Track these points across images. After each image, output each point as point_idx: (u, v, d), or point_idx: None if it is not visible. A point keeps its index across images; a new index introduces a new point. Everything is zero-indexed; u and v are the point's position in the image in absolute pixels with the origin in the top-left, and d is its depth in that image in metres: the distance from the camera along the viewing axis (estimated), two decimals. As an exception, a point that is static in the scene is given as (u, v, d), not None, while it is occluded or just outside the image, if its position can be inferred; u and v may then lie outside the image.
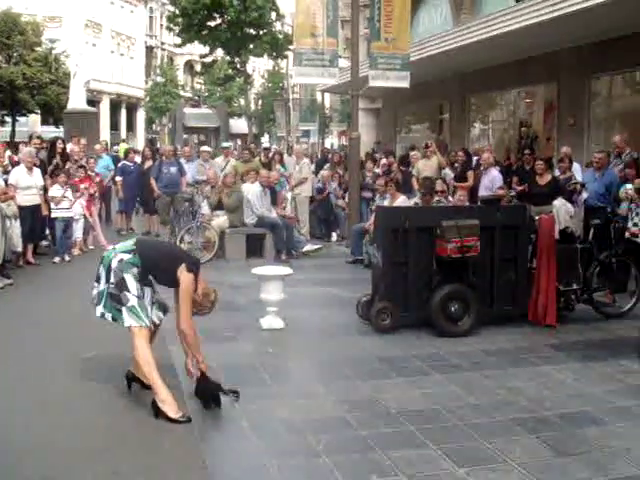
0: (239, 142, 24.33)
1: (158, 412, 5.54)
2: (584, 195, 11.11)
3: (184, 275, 5.81)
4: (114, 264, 5.69)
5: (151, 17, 66.18)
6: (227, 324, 8.55)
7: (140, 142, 53.97)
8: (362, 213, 15.25)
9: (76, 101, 27.70)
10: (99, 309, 5.77)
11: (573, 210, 9.81)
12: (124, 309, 5.64)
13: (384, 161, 17.34)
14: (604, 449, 5.11)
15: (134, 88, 60.52)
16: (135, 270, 5.70)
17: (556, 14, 13.15)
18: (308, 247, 14.06)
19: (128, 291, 5.65)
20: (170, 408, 5.52)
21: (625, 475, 4.71)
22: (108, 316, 5.76)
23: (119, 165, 17.68)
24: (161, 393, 5.56)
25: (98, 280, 5.81)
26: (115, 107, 57.68)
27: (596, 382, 6.62)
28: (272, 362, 7.19)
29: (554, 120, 17.78)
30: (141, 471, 4.76)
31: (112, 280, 5.67)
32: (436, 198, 10.63)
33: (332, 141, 50.25)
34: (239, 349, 7.63)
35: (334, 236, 16.30)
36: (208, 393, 5.80)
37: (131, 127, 61.17)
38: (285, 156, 21.16)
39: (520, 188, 12.48)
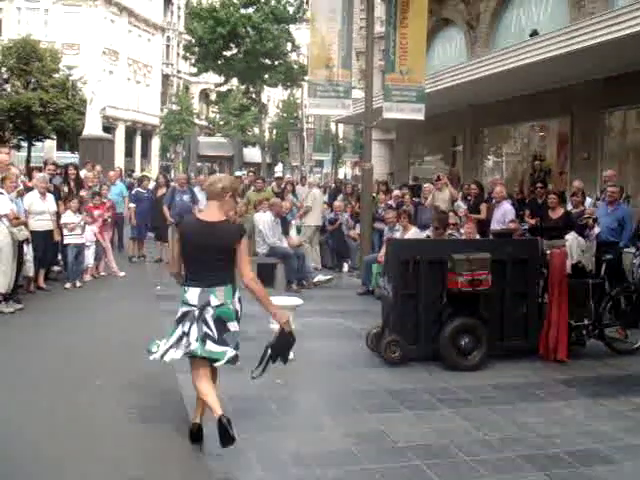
0: (251, 171, 24.43)
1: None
2: (596, 230, 11.08)
3: (241, 243, 5.64)
4: (238, 307, 5.76)
5: (168, 45, 66.77)
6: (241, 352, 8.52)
7: (154, 169, 54.26)
8: (374, 244, 15.24)
9: (92, 127, 27.92)
10: (231, 352, 5.68)
11: (585, 244, 9.79)
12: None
13: (396, 192, 17.35)
14: (614, 488, 5.05)
15: (149, 115, 60.97)
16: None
17: (570, 49, 13.18)
18: (319, 277, 14.05)
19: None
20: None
21: (635, 515, 4.65)
22: (233, 354, 5.72)
23: (133, 192, 17.78)
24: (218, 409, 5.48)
25: (226, 340, 5.69)
26: (130, 134, 58.10)
27: (606, 419, 6.57)
28: (280, 393, 7.16)
29: (567, 154, 17.77)
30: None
31: (236, 319, 5.75)
32: (448, 231, 10.61)
33: (345, 171, 50.34)
34: (248, 380, 7.58)
35: (345, 267, 16.28)
36: (284, 348, 5.90)
37: (146, 154, 61.55)
38: (298, 186, 21.24)
39: (532, 222, 12.46)
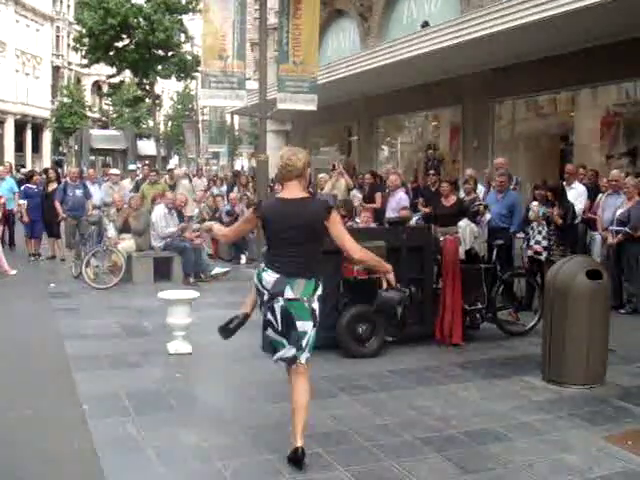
0: (145, 164, 24.11)
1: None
2: (487, 216, 11.36)
3: (330, 221, 5.08)
4: (316, 306, 5.12)
5: (58, 36, 65.04)
6: (133, 349, 8.42)
7: (46, 164, 52.83)
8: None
9: (-22, 122, 26.97)
10: (304, 356, 5.12)
11: (477, 231, 10.01)
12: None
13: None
14: (508, 465, 5.20)
15: (40, 109, 59.29)
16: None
17: (459, 40, 13.47)
18: (217, 270, 13.96)
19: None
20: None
21: (528, 491, 4.80)
22: (307, 356, 5.17)
23: (22, 188, 17.25)
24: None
25: (290, 337, 5.11)
26: (20, 128, 56.38)
27: (500, 399, 6.75)
28: (179, 387, 7.09)
29: (459, 143, 18.17)
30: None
31: (317, 320, 5.14)
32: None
33: (242, 163, 50.14)
34: (145, 375, 7.50)
35: (243, 258, 16.21)
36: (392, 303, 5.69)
37: (37, 149, 59.87)
38: (194, 179, 21.09)
39: (426, 210, 12.68)
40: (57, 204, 15.58)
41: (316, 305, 5.10)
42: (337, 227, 5.10)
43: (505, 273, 9.70)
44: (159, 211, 13.64)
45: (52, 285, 13.02)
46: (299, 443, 5.02)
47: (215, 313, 10.42)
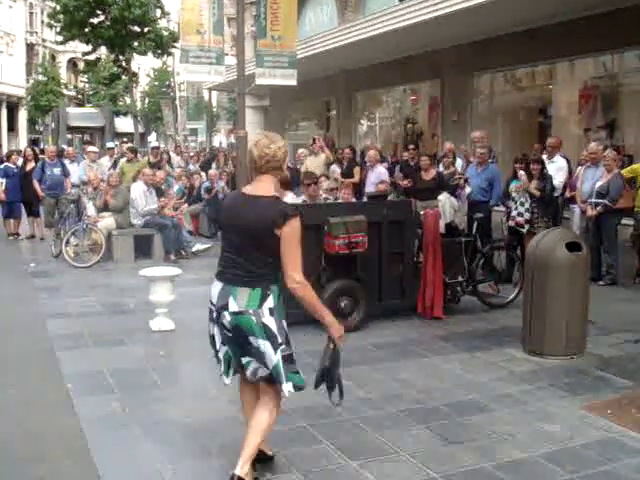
0: (123, 141, 23.97)
1: None
2: (467, 190, 11.42)
3: (284, 230, 4.20)
4: (270, 322, 4.31)
5: (31, 13, 64.18)
6: (116, 327, 8.42)
7: (22, 143, 52.33)
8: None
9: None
10: (286, 387, 4.34)
11: (457, 204, 10.07)
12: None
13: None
14: (491, 435, 5.27)
15: (14, 87, 58.60)
16: (281, 299, 4.47)
17: (437, 14, 13.42)
18: (198, 246, 13.96)
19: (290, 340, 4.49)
20: None
21: (511, 459, 4.87)
22: (291, 388, 4.37)
23: (1, 167, 17.09)
24: (248, 467, 4.30)
25: (251, 352, 4.34)
26: (-5, 107, 55.83)
27: (482, 371, 6.83)
28: (163, 364, 7.11)
29: (438, 117, 18.18)
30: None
31: (280, 341, 4.31)
32: (324, 196, 10.69)
33: (220, 139, 49.96)
34: (129, 352, 7.51)
35: (223, 235, 16.16)
36: (334, 377, 4.52)
37: (13, 127, 59.26)
38: (172, 155, 20.98)
39: (405, 182, 12.70)
40: (35, 183, 15.49)
41: (270, 321, 4.29)
42: (288, 243, 4.19)
43: (485, 246, 9.77)
44: (138, 188, 13.59)
45: (32, 265, 12.96)
46: (237, 470, 4.25)
47: (197, 290, 10.47)
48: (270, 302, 4.31)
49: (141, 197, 13.45)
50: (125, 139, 25.25)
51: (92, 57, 37.46)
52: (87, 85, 60.45)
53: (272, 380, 4.35)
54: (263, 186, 4.38)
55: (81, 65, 54.04)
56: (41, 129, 61.41)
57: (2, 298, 10.29)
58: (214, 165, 18.76)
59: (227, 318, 4.30)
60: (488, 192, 11.34)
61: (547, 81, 15.61)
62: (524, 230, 10.43)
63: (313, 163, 14.97)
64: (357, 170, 14.29)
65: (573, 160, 12.45)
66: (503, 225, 10.98)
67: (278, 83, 15.41)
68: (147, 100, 60.39)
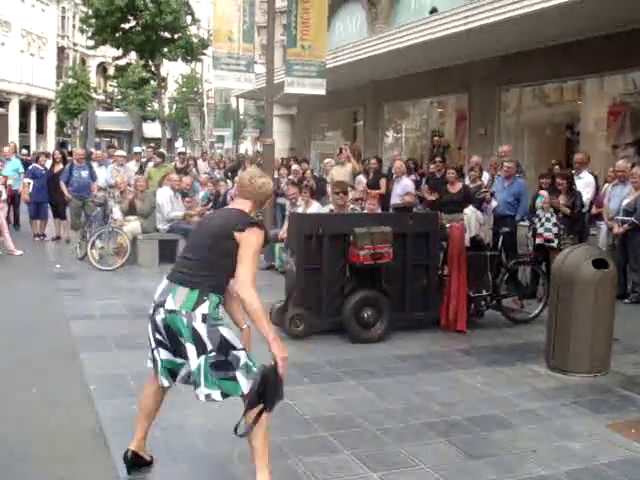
0: (149, 146, 24.17)
1: None
2: (493, 203, 11.37)
3: (244, 237, 4.28)
4: (200, 328, 4.24)
5: (63, 17, 64.89)
6: (139, 330, 8.38)
7: (51, 145, 52.81)
8: (276, 219, 15.25)
9: (-17, 102, 26.95)
10: (202, 392, 4.33)
11: (483, 218, 10.03)
12: (238, 373, 4.30)
13: (295, 167, 17.36)
14: (512, 451, 5.23)
15: (45, 89, 59.19)
16: (220, 310, 4.41)
17: (467, 27, 13.42)
18: (221, 253, 13.96)
19: (234, 349, 4.31)
20: None
21: (532, 476, 4.83)
22: (216, 395, 4.33)
23: (30, 168, 17.28)
24: (264, 477, 4.40)
25: (182, 353, 4.37)
26: (24, 109, 56.30)
27: (505, 386, 6.78)
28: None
29: (465, 130, 18.15)
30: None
31: (210, 347, 4.24)
32: (351, 206, 10.70)
33: (247, 147, 50.12)
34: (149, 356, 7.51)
35: (248, 242, 16.20)
36: (273, 391, 4.34)
37: (41, 129, 59.81)
38: (199, 161, 21.09)
39: (432, 197, 12.66)
40: (62, 185, 15.60)
41: (200, 327, 4.24)
42: (245, 248, 4.25)
43: (510, 261, 9.73)
44: (165, 194, 13.65)
45: (57, 266, 13.06)
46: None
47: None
48: (204, 308, 4.27)
49: (167, 202, 13.52)
50: (152, 144, 25.37)
51: (122, 62, 37.76)
52: (116, 89, 60.94)
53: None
54: (239, 202, 4.59)
55: (111, 69, 54.42)
56: (69, 132, 62.01)
57: (27, 298, 10.37)
58: (240, 172, 18.79)
59: (161, 315, 4.35)
60: (514, 206, 11.29)
61: (575, 97, 15.55)
62: (554, 244, 10.32)
63: (339, 173, 14.98)
64: (383, 182, 14.28)
65: (600, 177, 12.38)
66: (529, 240, 10.91)
67: (307, 92, 15.49)
68: (175, 106, 60.74)
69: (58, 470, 4.79)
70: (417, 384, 6.76)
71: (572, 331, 7.08)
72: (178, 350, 4.37)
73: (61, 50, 64.57)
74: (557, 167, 12.61)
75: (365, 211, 10.84)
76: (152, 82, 37.68)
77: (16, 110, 53.72)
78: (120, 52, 34.79)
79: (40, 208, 16.51)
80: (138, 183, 14.06)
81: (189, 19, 34.41)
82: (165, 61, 35.64)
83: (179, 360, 4.42)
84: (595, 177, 11.97)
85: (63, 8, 64.48)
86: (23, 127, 54.97)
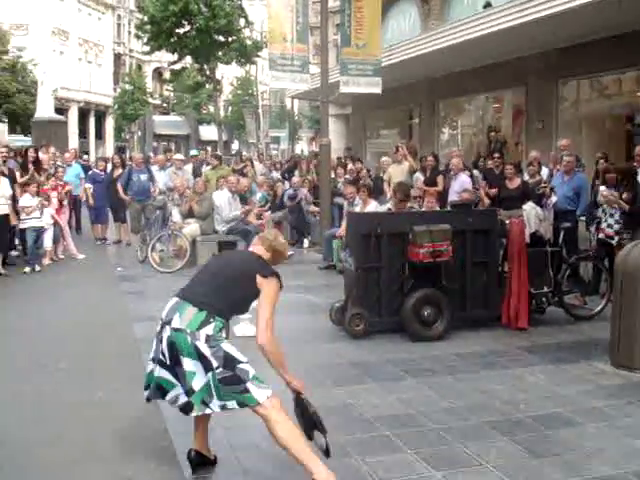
0: (203, 148, 24.44)
1: None
2: (553, 199, 11.21)
3: (264, 284, 4.67)
4: (203, 348, 4.37)
5: (119, 24, 65.85)
6: (200, 332, 8.52)
7: (109, 150, 53.63)
8: (334, 219, 15.28)
9: (44, 109, 27.45)
10: (216, 404, 4.42)
11: (543, 214, 9.88)
12: (249, 385, 4.42)
13: (350, 166, 17.39)
14: (578, 450, 5.16)
15: (102, 96, 60.18)
16: (224, 334, 4.58)
17: (523, 20, 13.28)
18: (280, 254, 14.04)
19: (240, 362, 4.46)
20: None
21: (599, 475, 4.75)
22: (232, 404, 4.43)
23: (89, 173, 17.62)
24: (322, 471, 4.39)
25: (178, 375, 4.47)
26: (83, 115, 57.33)
27: (568, 383, 6.69)
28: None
29: (522, 125, 17.94)
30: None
31: (216, 365, 4.37)
32: (409, 204, 10.66)
33: (302, 147, 50.29)
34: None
35: (306, 242, 16.31)
36: (306, 423, 4.73)
37: (100, 135, 60.82)
38: (255, 163, 21.23)
39: (492, 192, 12.52)
40: (120, 188, 15.86)
41: (204, 347, 4.37)
42: (266, 297, 4.64)
43: (572, 256, 9.59)
44: (223, 196, 13.77)
45: (119, 269, 13.28)
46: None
47: (280, 296, 10.54)
48: (209, 330, 4.42)
49: (225, 204, 13.63)
50: (204, 147, 25.70)
51: (177, 66, 38.22)
52: (172, 94, 61.66)
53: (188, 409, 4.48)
54: (259, 250, 4.94)
55: (166, 74, 55.08)
56: (127, 137, 62.91)
57: (91, 301, 10.57)
58: (297, 173, 18.87)
59: (167, 332, 4.47)
60: (575, 201, 11.11)
61: (635, 88, 15.25)
62: (614, 242, 10.14)
63: (396, 171, 14.93)
64: (440, 179, 14.19)
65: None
66: (591, 235, 10.72)
67: (362, 91, 15.48)
68: (230, 108, 61.23)
69: (124, 470, 4.88)
70: (479, 382, 6.71)
71: (637, 327, 6.95)
72: (173, 372, 4.48)
73: (117, 57, 65.56)
74: (602, 161, 12.42)
75: (423, 209, 10.77)
76: (207, 85, 38.04)
77: (75, 117, 54.68)
78: (175, 57, 35.24)
79: (100, 212, 16.83)
80: (197, 186, 14.21)
81: (242, 22, 34.69)
82: (220, 64, 35.94)
83: (173, 381, 4.51)
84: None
85: (119, 16, 65.48)
86: (82, 133, 55.97)
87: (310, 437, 4.67)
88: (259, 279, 4.63)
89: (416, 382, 6.71)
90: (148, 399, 4.75)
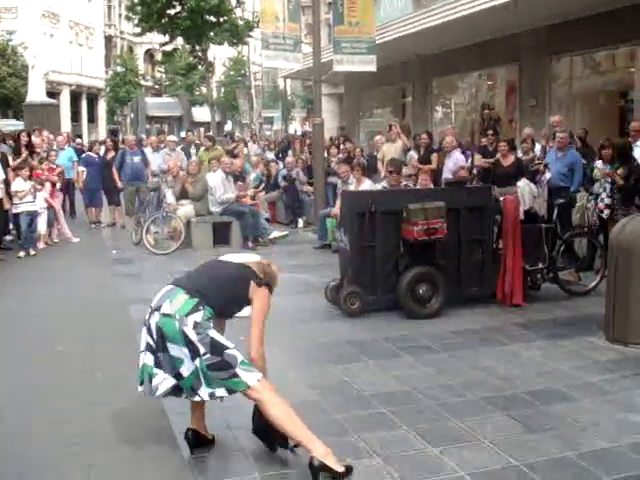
0: (188, 130, 24.42)
1: (324, 470, 4.31)
2: (547, 175, 11.20)
3: (258, 293, 4.70)
4: (191, 334, 4.34)
5: (109, 6, 65.45)
6: (196, 313, 8.53)
7: (102, 133, 53.45)
8: (328, 198, 15.28)
9: (35, 93, 27.35)
10: (205, 392, 4.43)
11: (537, 190, 9.89)
12: (238, 369, 4.40)
13: (342, 146, 17.38)
14: (573, 424, 5.18)
15: (94, 79, 59.88)
16: (211, 323, 4.50)
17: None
18: (275, 234, 14.08)
19: (227, 348, 4.42)
20: (334, 462, 4.35)
21: (594, 449, 4.78)
22: (221, 391, 4.43)
23: (83, 156, 17.57)
24: (319, 448, 4.36)
25: (162, 363, 4.50)
26: (75, 98, 57.05)
27: (564, 359, 6.72)
28: (243, 349, 7.18)
29: (516, 102, 17.92)
30: (119, 463, 4.74)
31: (203, 351, 4.36)
32: (404, 182, 10.66)
33: (295, 127, 50.15)
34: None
35: (300, 222, 16.31)
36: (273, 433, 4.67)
37: (92, 118, 60.57)
38: (249, 143, 21.19)
39: (485, 161, 12.50)
40: (114, 171, 15.82)
41: (191, 332, 4.35)
42: (257, 311, 4.67)
43: (566, 233, 9.60)
44: (217, 177, 13.76)
45: (114, 252, 13.28)
46: (314, 454, 4.37)
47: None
48: (198, 316, 4.40)
49: (219, 185, 13.62)
50: (189, 129, 25.61)
51: (169, 48, 37.99)
52: (164, 76, 61.38)
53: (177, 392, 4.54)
54: (253, 264, 4.86)
55: (158, 56, 54.77)
56: (120, 119, 62.67)
57: (87, 284, 10.57)
58: (290, 153, 18.84)
59: (156, 318, 4.46)
60: (569, 178, 11.12)
61: (628, 64, 15.23)
62: (604, 215, 10.17)
63: (390, 150, 14.92)
64: (435, 156, 14.18)
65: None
66: (588, 211, 10.72)
67: (357, 69, 15.40)
68: (223, 89, 60.97)
69: (123, 450, 4.90)
70: (475, 359, 6.74)
71: (632, 301, 6.98)
72: (158, 358, 4.49)
73: (108, 39, 65.19)
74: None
75: (418, 187, 10.77)
76: (199, 67, 37.84)
77: (67, 100, 54.42)
78: (167, 38, 34.99)
79: (94, 196, 16.77)
80: (190, 167, 14.18)
81: (234, 1, 34.41)
82: (212, 45, 35.72)
83: (155, 370, 4.52)
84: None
85: (108, -2, 65.08)
86: (75, 117, 55.72)
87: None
88: (253, 285, 4.67)
89: (412, 359, 6.73)
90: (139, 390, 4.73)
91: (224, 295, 4.65)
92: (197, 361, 4.36)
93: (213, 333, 4.44)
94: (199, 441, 4.85)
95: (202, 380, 4.40)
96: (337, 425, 5.17)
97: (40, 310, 8.95)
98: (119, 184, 15.83)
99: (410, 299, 8.23)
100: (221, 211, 13.61)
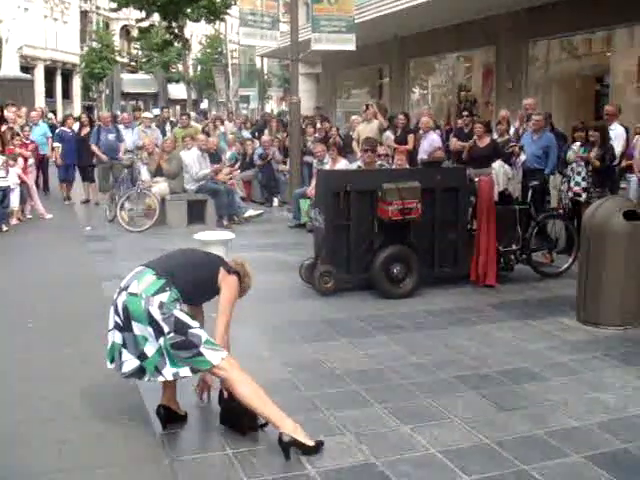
0: (162, 107, 24.23)
1: (294, 445, 4.33)
2: (522, 157, 11.25)
3: (227, 280, 4.80)
4: (155, 313, 4.36)
5: (85, -20, 64.63)
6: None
7: (77, 110, 52.90)
8: (304, 177, 15.25)
9: (9, 68, 26.97)
10: (169, 371, 4.43)
11: (511, 172, 9.93)
12: (202, 348, 4.39)
13: (318, 126, 17.33)
14: (543, 403, 5.24)
15: (69, 54, 59.07)
16: (178, 305, 4.50)
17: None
18: (250, 212, 14.05)
19: (191, 327, 4.42)
20: (304, 437, 4.38)
21: (564, 427, 4.84)
22: (185, 371, 4.45)
23: (57, 132, 17.39)
24: (288, 424, 4.37)
25: (127, 343, 4.50)
26: (50, 74, 56.31)
27: (535, 339, 6.78)
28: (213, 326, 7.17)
29: (492, 84, 17.95)
30: (91, 439, 4.72)
31: (167, 330, 4.36)
32: (378, 162, 10.65)
33: (272, 106, 49.98)
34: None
35: (275, 201, 16.29)
36: (241, 419, 4.67)
37: (67, 94, 59.85)
38: (226, 122, 21.07)
39: (462, 144, 12.51)
40: (94, 147, 15.69)
41: (155, 312, 4.36)
42: (225, 300, 4.77)
43: (540, 214, 9.66)
44: (192, 154, 13.69)
45: (88, 228, 13.18)
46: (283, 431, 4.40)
47: (250, 255, 10.52)
48: (164, 297, 4.43)
49: (195, 162, 13.56)
50: (163, 106, 25.46)
51: (145, 24, 37.64)
52: (140, 52, 60.80)
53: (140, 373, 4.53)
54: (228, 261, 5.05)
55: (134, 32, 54.24)
56: (95, 96, 62.04)
57: (59, 261, 10.49)
58: (266, 132, 18.77)
59: (123, 297, 4.48)
60: (543, 160, 11.16)
61: (605, 48, 15.30)
62: (581, 199, 10.22)
63: (365, 129, 14.89)
64: (411, 137, 14.18)
65: (631, 129, 12.20)
66: (562, 194, 10.78)
67: (336, 48, 15.34)
68: (199, 67, 60.58)
69: (96, 427, 4.87)
70: (447, 338, 6.78)
71: (603, 284, 7.05)
72: (125, 337, 4.50)
73: (84, 14, 64.32)
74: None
75: (393, 167, 10.77)
76: (176, 44, 37.56)
77: (41, 76, 53.68)
78: (143, 14, 34.66)
79: (68, 171, 16.63)
80: (165, 144, 14.09)
81: (211, -23, 34.13)
82: (188, 22, 35.42)
83: (121, 349, 4.55)
84: (626, 129, 11.78)
85: (85, -29, 64.22)
86: (49, 93, 54.97)
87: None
88: (222, 272, 4.78)
89: (385, 338, 6.76)
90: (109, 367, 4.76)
91: (192, 279, 4.69)
92: (161, 340, 4.38)
93: (178, 313, 4.45)
94: (171, 417, 4.84)
95: (166, 359, 4.41)
96: (309, 402, 5.19)
97: (11, 286, 8.87)
98: (103, 157, 15.66)
99: (384, 278, 8.25)
100: (196, 189, 13.54)
